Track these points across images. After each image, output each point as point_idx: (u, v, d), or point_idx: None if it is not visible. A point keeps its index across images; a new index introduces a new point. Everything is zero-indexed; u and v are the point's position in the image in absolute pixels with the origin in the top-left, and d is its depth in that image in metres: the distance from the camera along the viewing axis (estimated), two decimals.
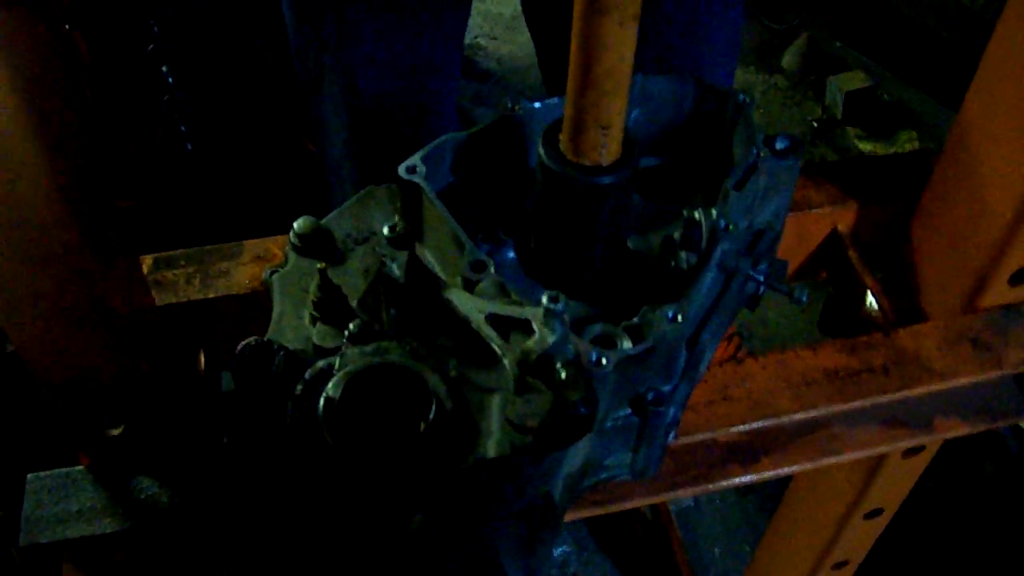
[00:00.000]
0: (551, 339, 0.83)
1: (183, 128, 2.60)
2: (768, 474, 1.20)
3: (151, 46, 2.47)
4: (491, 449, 0.84)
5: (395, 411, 0.87)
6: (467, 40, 4.09)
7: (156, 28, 2.45)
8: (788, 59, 4.10)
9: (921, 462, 1.47)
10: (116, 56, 2.52)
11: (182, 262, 1.23)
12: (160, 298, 1.20)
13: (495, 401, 0.88)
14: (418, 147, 1.02)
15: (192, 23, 2.60)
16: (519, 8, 2.13)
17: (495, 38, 4.08)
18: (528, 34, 2.12)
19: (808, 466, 1.21)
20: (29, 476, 1.08)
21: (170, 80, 2.52)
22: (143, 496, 1.05)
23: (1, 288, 0.93)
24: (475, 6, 4.13)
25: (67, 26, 2.44)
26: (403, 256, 0.89)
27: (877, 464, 1.44)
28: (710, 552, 2.66)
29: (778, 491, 1.81)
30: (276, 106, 2.89)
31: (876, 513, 1.59)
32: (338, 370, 0.88)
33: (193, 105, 2.62)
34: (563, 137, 0.95)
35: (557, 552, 2.64)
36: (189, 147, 2.64)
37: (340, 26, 1.79)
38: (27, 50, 0.84)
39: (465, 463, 0.84)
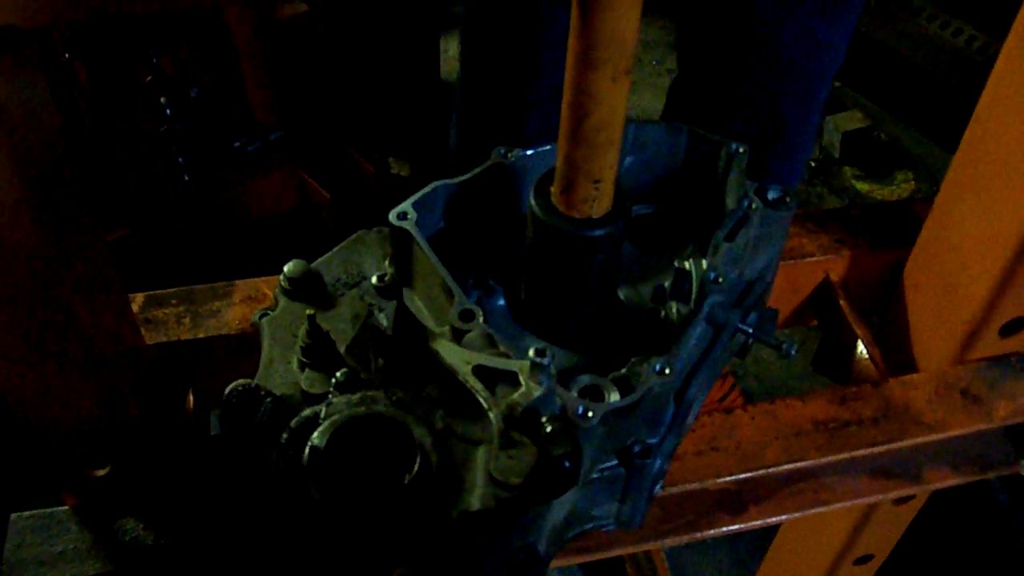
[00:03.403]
0: (537, 393, 0.83)
1: (181, 159, 2.61)
2: (756, 523, 1.20)
3: (150, 77, 2.48)
4: (475, 502, 0.84)
5: (380, 462, 0.86)
6: None
7: (155, 59, 2.46)
8: None
9: (912, 509, 1.46)
10: (115, 86, 2.53)
11: (173, 301, 1.23)
12: (150, 337, 1.19)
13: (480, 453, 0.87)
14: None
15: (192, 52, 2.62)
16: None
17: None
18: None
19: (796, 515, 1.21)
20: (12, 516, 1.07)
21: (168, 111, 2.52)
22: (127, 538, 1.05)
23: None
24: None
25: (67, 55, 2.45)
26: (391, 306, 0.89)
27: (868, 511, 1.44)
28: None
29: (769, 533, 1.80)
30: (273, 139, 2.90)
31: (866, 559, 1.58)
32: (324, 419, 0.88)
33: (191, 136, 2.63)
34: (554, 190, 0.95)
35: None
36: (187, 178, 2.65)
37: None
38: (8, 86, 0.84)
39: (449, 516, 0.83)
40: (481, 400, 0.85)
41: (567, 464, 0.80)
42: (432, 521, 0.84)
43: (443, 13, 4.15)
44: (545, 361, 0.82)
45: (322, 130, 2.96)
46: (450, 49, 4.17)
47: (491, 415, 0.84)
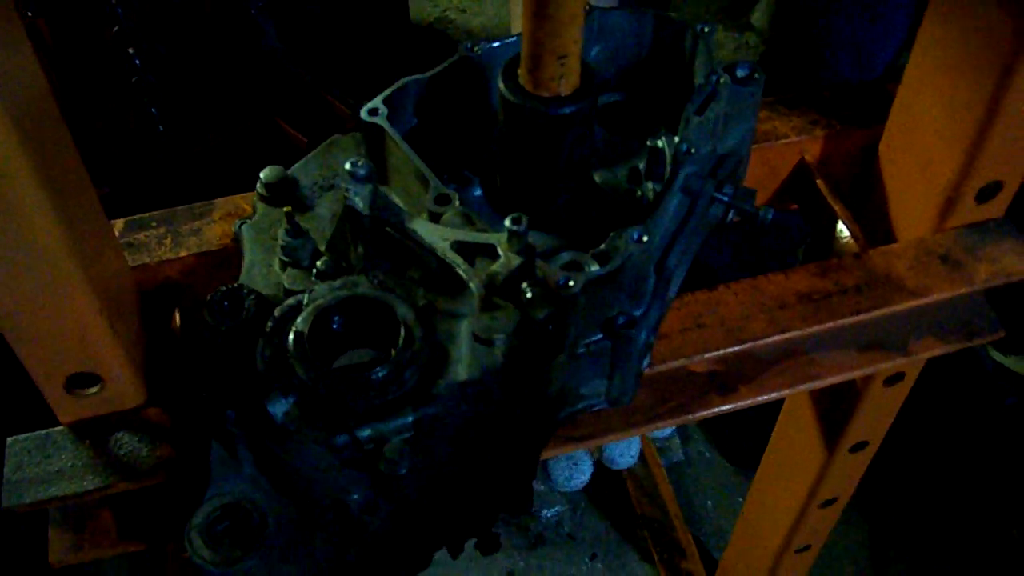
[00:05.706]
0: (516, 261, 0.84)
1: (154, 110, 2.59)
2: (747, 402, 1.21)
3: (116, 28, 2.46)
4: (461, 372, 0.85)
5: (364, 341, 0.87)
6: (436, 14, 4.08)
7: (120, 10, 2.43)
8: (757, 16, 4.09)
9: (902, 391, 1.48)
10: (81, 40, 2.50)
11: (153, 223, 1.23)
12: (133, 259, 1.19)
13: (464, 327, 0.88)
14: None
15: (157, 3, 2.59)
16: None
17: (464, 11, 4.07)
18: (495, 6, 2.11)
19: (787, 392, 1.22)
20: (8, 439, 1.08)
21: (137, 62, 2.50)
22: (122, 452, 1.05)
23: None
24: None
25: (30, 13, 2.43)
26: (367, 188, 0.89)
27: (859, 395, 1.45)
28: (703, 505, 2.68)
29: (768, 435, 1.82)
30: (248, 85, 2.88)
31: (861, 446, 1.60)
32: (307, 305, 0.89)
33: (162, 86, 2.61)
34: (522, 71, 0.96)
35: (551, 512, 2.64)
36: (161, 129, 2.63)
37: None
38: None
39: (436, 387, 0.84)
40: (461, 273, 0.85)
41: (550, 327, 0.81)
42: (422, 394, 0.84)
43: None
44: (521, 228, 0.83)
45: (296, 75, 2.94)
46: None
47: (472, 286, 0.84)
